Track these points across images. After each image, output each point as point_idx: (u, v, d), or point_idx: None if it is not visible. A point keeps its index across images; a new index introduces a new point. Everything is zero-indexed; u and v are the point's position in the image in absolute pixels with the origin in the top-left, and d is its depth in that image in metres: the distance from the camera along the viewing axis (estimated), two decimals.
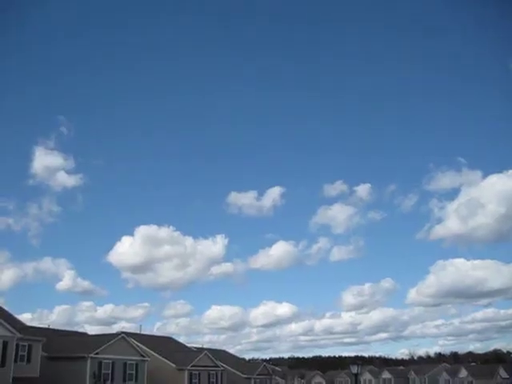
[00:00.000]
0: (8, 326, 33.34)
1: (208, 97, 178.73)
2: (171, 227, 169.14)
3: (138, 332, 56.42)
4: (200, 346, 66.27)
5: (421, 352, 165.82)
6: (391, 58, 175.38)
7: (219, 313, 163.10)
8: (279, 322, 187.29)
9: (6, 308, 40.75)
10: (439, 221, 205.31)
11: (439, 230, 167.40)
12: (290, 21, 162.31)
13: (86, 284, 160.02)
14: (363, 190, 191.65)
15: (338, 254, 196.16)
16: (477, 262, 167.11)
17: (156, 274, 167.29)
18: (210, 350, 60.46)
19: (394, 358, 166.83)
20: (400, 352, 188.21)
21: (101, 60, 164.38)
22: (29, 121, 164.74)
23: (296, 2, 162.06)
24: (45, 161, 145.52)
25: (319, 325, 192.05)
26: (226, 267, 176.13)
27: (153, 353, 47.82)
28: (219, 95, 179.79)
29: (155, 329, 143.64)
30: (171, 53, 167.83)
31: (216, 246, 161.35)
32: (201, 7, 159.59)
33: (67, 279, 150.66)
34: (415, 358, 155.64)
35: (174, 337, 65.84)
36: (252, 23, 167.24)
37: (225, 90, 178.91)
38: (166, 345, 54.95)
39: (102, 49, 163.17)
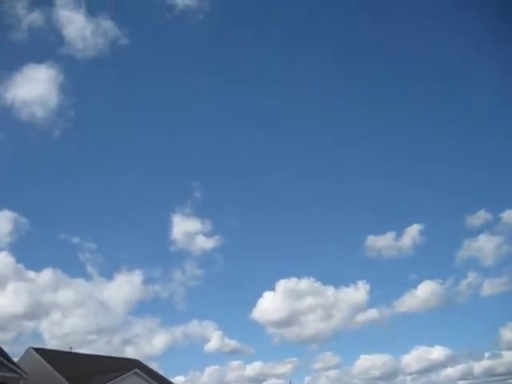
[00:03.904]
0: None
1: (335, 140, 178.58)
2: (311, 278, 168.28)
3: None
4: None
5: None
6: None
7: (369, 362, 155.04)
8: (434, 367, 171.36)
9: (160, 372, 42.58)
10: None
11: None
12: None
13: (232, 343, 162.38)
14: (510, 216, 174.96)
15: (490, 287, 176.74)
16: None
17: (301, 327, 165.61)
18: None
19: None
20: None
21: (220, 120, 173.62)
22: (165, 191, 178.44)
23: None
24: (184, 227, 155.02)
25: (478, 367, 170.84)
26: (371, 314, 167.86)
27: None
28: (349, 139, 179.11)
29: (305, 383, 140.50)
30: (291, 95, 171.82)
31: (358, 292, 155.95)
32: None
33: (215, 340, 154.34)
34: None
35: None
36: None
37: (357, 126, 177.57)
38: None
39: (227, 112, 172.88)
